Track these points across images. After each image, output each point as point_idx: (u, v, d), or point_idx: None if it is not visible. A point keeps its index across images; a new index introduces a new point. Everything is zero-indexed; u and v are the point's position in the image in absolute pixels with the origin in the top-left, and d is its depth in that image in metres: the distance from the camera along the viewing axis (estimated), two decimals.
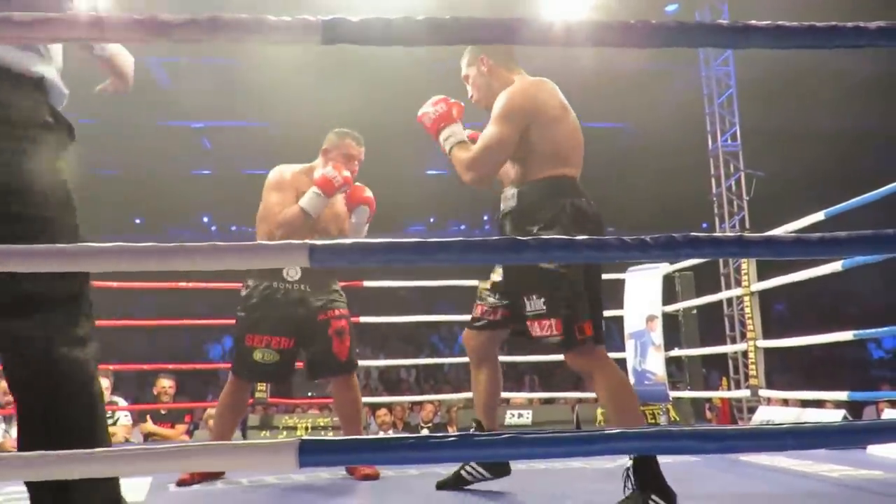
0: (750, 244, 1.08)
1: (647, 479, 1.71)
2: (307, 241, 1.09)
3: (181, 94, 9.32)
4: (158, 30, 1.15)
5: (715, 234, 1.08)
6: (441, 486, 2.27)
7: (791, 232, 3.53)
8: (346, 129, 2.80)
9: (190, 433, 4.75)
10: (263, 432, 4.16)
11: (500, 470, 2.23)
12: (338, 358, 2.67)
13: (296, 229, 2.56)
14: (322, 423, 4.27)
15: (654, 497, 1.70)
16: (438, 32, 1.16)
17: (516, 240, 1.10)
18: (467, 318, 2.76)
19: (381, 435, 5.09)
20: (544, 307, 1.95)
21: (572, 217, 2.01)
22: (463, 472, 2.23)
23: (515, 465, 2.31)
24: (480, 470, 2.22)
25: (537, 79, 2.18)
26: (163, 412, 4.54)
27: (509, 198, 2.12)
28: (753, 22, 1.19)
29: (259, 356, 2.61)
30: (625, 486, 1.76)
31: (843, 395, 3.43)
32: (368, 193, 2.78)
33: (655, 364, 4.30)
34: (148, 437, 4.48)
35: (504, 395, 5.82)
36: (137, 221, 15.00)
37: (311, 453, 1.04)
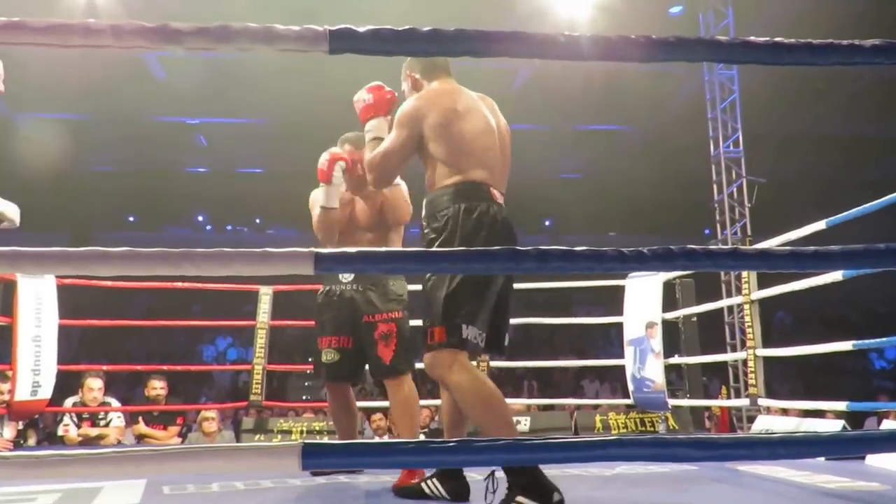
0: (745, 257, 1.11)
1: (518, 480, 1.73)
2: (313, 249, 1.12)
3: (176, 89, 9.22)
4: (170, 37, 1.18)
5: (711, 248, 1.11)
6: (401, 493, 2.27)
7: (792, 241, 3.54)
8: (346, 135, 2.82)
9: (183, 436, 4.73)
10: (258, 436, 4.15)
11: (460, 494, 2.14)
12: (382, 361, 2.65)
13: (327, 228, 2.66)
14: (318, 427, 4.24)
15: (519, 499, 1.71)
16: (443, 43, 1.18)
17: (516, 250, 1.12)
18: None
19: (377, 440, 5.10)
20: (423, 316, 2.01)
21: (465, 221, 1.95)
22: (424, 487, 2.19)
23: None
24: (442, 491, 2.16)
25: (447, 86, 2.15)
26: (155, 414, 4.55)
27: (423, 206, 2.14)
28: (752, 38, 1.21)
29: (325, 357, 2.73)
30: (486, 489, 1.81)
31: (841, 406, 3.44)
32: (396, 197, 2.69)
33: (654, 371, 4.31)
34: (140, 438, 4.48)
35: None
36: (131, 219, 14.93)
37: (313, 457, 1.06)
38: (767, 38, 1.22)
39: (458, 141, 2.02)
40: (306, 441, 1.07)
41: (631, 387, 4.53)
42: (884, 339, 3.35)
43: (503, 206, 2.04)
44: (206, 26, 1.16)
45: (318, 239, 2.74)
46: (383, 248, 1.12)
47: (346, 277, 2.71)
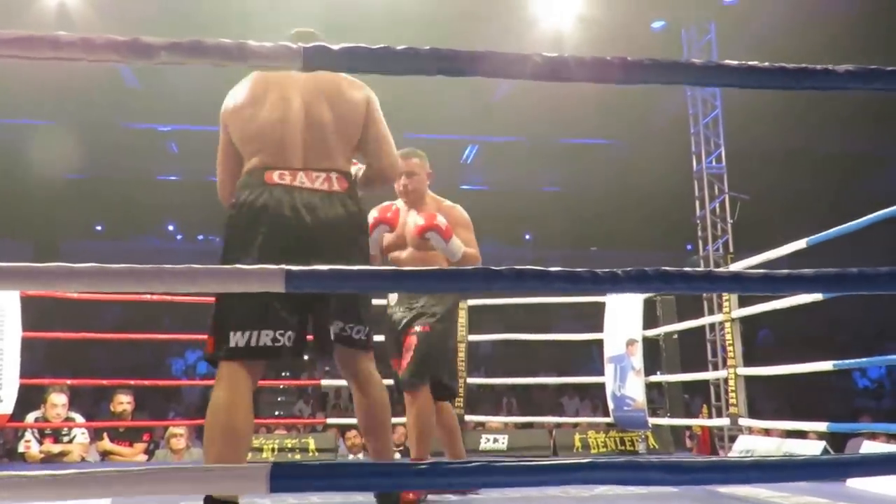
0: (719, 280, 1.11)
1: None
2: (284, 266, 1.10)
3: (148, 96, 9.14)
4: (142, 51, 1.16)
5: (685, 270, 1.10)
6: None
7: (773, 260, 3.56)
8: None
9: (150, 453, 4.61)
10: None
11: None
12: (400, 375, 2.65)
13: None
14: (290, 445, 4.16)
15: None
16: (419, 62, 1.18)
17: (490, 269, 1.11)
18: None
19: (351, 458, 5.03)
20: None
21: (237, 215, 1.83)
22: None
23: (489, 493, 2.28)
24: None
25: (256, 74, 1.97)
26: (121, 430, 4.44)
27: None
28: (727, 62, 1.22)
29: (396, 377, 2.71)
30: None
31: (822, 427, 3.45)
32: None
33: (635, 390, 4.30)
34: (105, 455, 4.37)
35: (480, 418, 5.84)
36: (98, 228, 14.69)
37: (282, 478, 1.04)
38: (742, 62, 1.22)
39: (238, 127, 1.89)
40: (275, 462, 1.04)
41: (611, 405, 4.52)
42: (863, 359, 3.38)
43: (291, 186, 1.80)
44: (178, 41, 1.15)
45: None
46: (356, 267, 1.11)
47: (393, 300, 2.76)
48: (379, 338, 2.64)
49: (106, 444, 4.37)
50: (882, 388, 14.78)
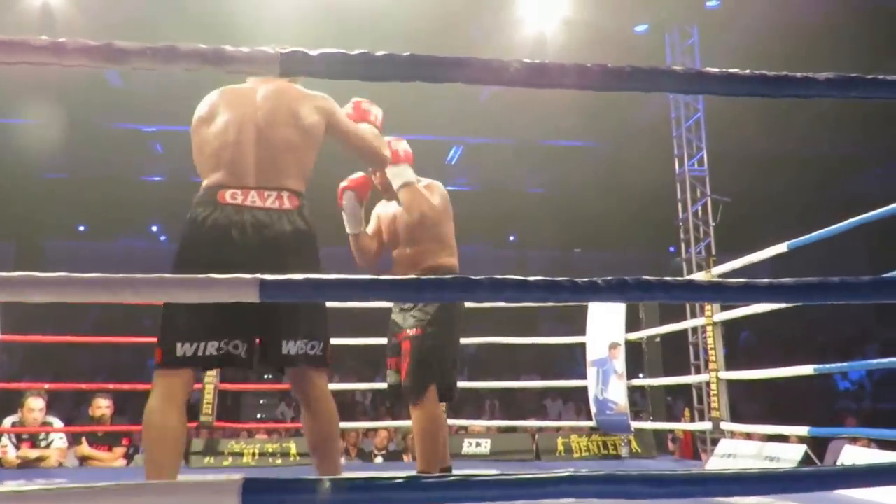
0: (699, 289, 1.10)
1: None
2: (258, 276, 1.08)
3: (133, 96, 9.05)
4: (115, 56, 1.14)
5: (665, 278, 1.09)
6: None
7: (754, 263, 3.58)
8: None
9: (129, 457, 4.55)
10: (207, 458, 4.01)
11: None
12: (402, 382, 2.57)
13: (357, 252, 2.69)
14: (271, 450, 4.12)
15: None
16: (397, 68, 1.16)
17: (469, 279, 1.10)
18: None
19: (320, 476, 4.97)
20: None
21: (189, 232, 1.87)
22: None
23: None
24: None
25: (225, 88, 2.06)
26: (99, 434, 4.38)
27: None
28: (707, 69, 1.22)
29: (388, 378, 2.69)
30: None
31: (803, 431, 3.47)
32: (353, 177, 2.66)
33: (617, 393, 4.31)
34: (84, 460, 4.31)
35: (462, 422, 5.81)
36: (81, 228, 14.53)
37: (254, 493, 1.02)
38: (723, 70, 1.22)
39: (207, 147, 1.94)
40: (247, 477, 1.02)
41: (594, 409, 4.53)
42: (843, 363, 3.41)
43: (242, 206, 1.85)
44: (152, 46, 1.13)
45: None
46: (331, 276, 1.09)
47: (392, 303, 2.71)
48: (382, 340, 2.62)
49: (84, 448, 4.31)
50: (863, 390, 14.94)
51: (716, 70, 1.20)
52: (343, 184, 2.64)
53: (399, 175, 2.57)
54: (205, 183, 1.92)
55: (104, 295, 1.05)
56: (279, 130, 1.93)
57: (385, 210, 2.77)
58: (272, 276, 1.08)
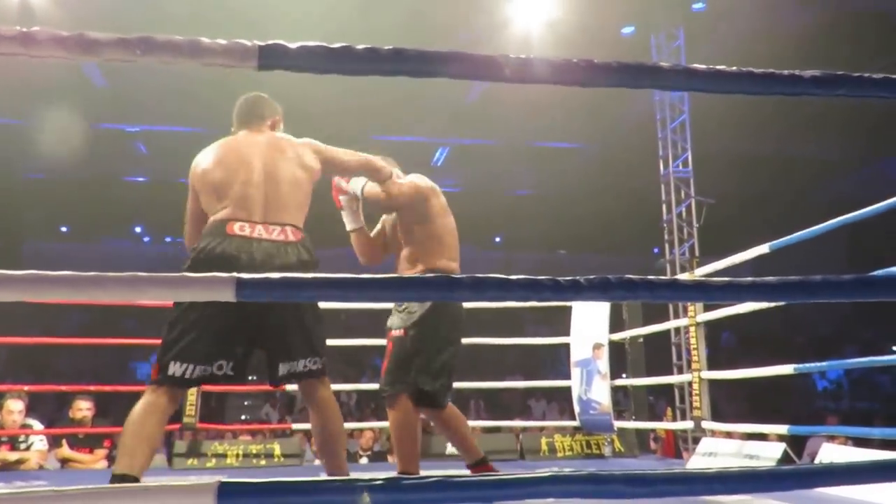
0: (683, 288, 1.09)
1: None
2: (234, 274, 1.05)
3: (117, 96, 8.97)
4: (87, 48, 1.11)
5: (649, 277, 1.08)
6: None
7: (736, 264, 3.60)
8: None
9: (110, 459, 4.50)
10: (190, 460, 3.97)
11: None
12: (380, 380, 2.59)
13: (357, 249, 2.75)
14: (255, 451, 4.08)
15: None
16: (379, 62, 1.14)
17: (451, 278, 1.08)
18: None
19: (317, 463, 4.96)
20: None
21: (197, 259, 1.98)
22: None
23: None
24: None
25: (226, 139, 2.25)
26: (80, 436, 4.32)
27: None
28: (695, 66, 1.21)
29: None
30: None
31: (783, 429, 3.49)
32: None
33: (601, 393, 4.31)
34: (64, 463, 4.25)
35: None
36: (64, 230, 14.37)
37: (230, 496, 0.99)
38: (710, 67, 1.21)
39: (207, 186, 2.10)
40: (222, 480, 0.99)
41: (577, 409, 4.53)
42: (823, 363, 3.44)
43: (250, 237, 1.99)
44: (126, 37, 1.09)
45: None
46: (308, 275, 1.06)
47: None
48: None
49: (65, 451, 4.25)
50: (841, 389, 15.14)
51: (703, 67, 1.19)
52: (338, 181, 2.66)
53: (356, 188, 2.63)
54: (213, 217, 2.05)
55: (73, 294, 1.02)
56: (285, 170, 2.11)
57: (389, 215, 2.81)
58: (251, 275, 1.06)
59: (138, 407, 1.91)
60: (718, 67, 1.23)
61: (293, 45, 1.13)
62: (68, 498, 0.97)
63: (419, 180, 2.66)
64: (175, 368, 1.90)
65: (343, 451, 2.09)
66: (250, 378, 2.18)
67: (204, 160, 2.16)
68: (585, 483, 1.06)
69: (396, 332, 2.53)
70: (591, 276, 1.06)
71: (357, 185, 2.63)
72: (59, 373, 10.65)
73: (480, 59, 1.19)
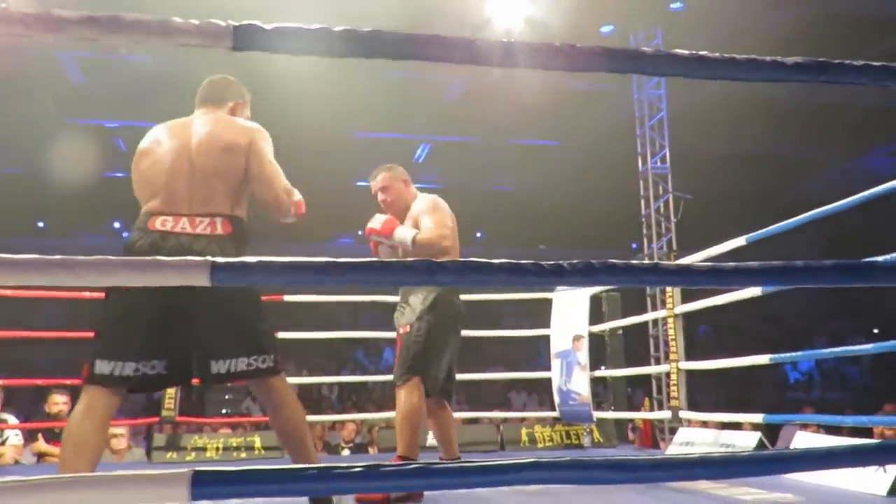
0: (665, 272, 1.08)
1: None
2: (209, 258, 1.02)
3: (95, 92, 8.83)
4: (54, 26, 1.07)
5: (632, 262, 1.07)
6: None
7: (713, 256, 3.63)
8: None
9: None
10: (170, 453, 3.92)
11: None
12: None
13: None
14: (234, 444, 4.04)
15: None
16: (356, 44, 1.12)
17: (433, 262, 1.06)
18: (393, 334, 2.76)
19: (276, 466, 4.92)
20: None
21: (123, 255, 1.90)
22: None
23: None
24: None
25: (171, 122, 2.15)
26: (57, 430, 4.26)
27: None
28: (678, 51, 1.20)
29: None
30: None
31: (758, 418, 3.53)
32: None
33: (580, 384, 4.33)
34: (41, 457, 4.18)
35: None
36: (40, 225, 14.13)
37: (204, 485, 0.97)
38: (693, 52, 1.20)
39: (142, 175, 2.01)
40: (196, 469, 0.97)
41: (557, 399, 4.54)
42: (798, 353, 3.49)
43: (170, 232, 1.89)
44: (95, 16, 1.06)
45: None
46: (287, 259, 1.04)
47: (397, 299, 2.78)
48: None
49: (41, 445, 4.18)
50: (811, 380, 15.46)
51: (687, 52, 1.18)
52: (372, 228, 2.67)
53: (402, 240, 2.62)
54: (142, 210, 1.97)
55: (40, 278, 0.98)
56: (210, 158, 1.97)
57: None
58: (227, 259, 1.04)
59: (75, 412, 1.80)
60: (702, 53, 1.22)
61: (268, 26, 1.11)
62: (45, 487, 0.94)
63: (449, 215, 2.73)
64: (103, 367, 1.80)
65: (308, 441, 1.99)
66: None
67: (141, 145, 2.07)
68: (568, 469, 1.05)
69: (403, 329, 2.67)
70: (575, 261, 1.04)
71: (406, 234, 2.60)
72: (38, 367, 10.48)
73: (462, 43, 1.18)
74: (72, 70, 8.63)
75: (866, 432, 4.81)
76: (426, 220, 2.65)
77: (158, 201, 1.93)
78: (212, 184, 1.95)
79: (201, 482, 0.95)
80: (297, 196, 2.11)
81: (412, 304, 2.66)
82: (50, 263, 0.96)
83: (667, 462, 1.08)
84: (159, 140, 2.03)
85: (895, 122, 10.76)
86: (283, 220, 2.07)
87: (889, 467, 2.42)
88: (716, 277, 1.08)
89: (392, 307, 2.81)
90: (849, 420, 3.65)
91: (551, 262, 1.06)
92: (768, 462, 1.13)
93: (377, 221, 2.66)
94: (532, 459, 1.03)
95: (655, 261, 6.94)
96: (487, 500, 2.46)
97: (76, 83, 8.84)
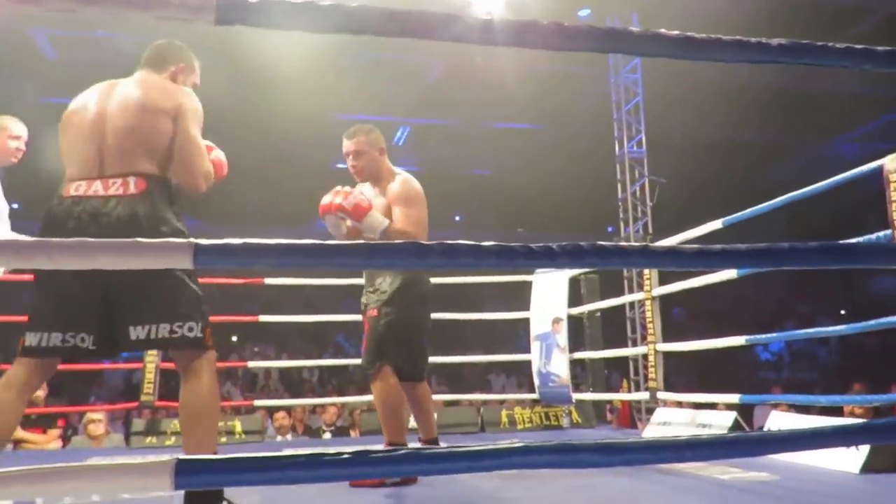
0: (654, 255, 1.07)
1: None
2: (192, 240, 1.00)
3: (69, 70, 8.62)
4: None
5: (621, 244, 1.07)
6: None
7: (690, 239, 3.66)
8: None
9: (66, 439, 4.38)
10: (149, 438, 3.89)
11: None
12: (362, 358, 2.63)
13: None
14: None
15: None
16: (341, 19, 1.09)
17: (421, 245, 1.05)
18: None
19: (279, 439, 4.91)
20: None
21: (42, 226, 1.93)
22: None
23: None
24: None
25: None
26: (33, 417, 4.20)
27: None
28: (662, 31, 1.19)
29: None
30: None
31: (734, 398, 3.59)
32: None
33: (560, 366, 4.36)
34: (18, 444, 4.12)
35: None
36: (15, 206, 13.84)
37: (188, 474, 0.95)
38: (678, 32, 1.19)
39: (62, 143, 1.97)
40: (179, 457, 0.95)
41: (537, 381, 4.57)
42: (770, 334, 3.55)
43: (82, 197, 1.84)
44: None
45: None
46: (274, 241, 1.01)
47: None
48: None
49: (18, 431, 4.11)
50: (781, 361, 15.83)
51: (672, 33, 1.17)
52: (322, 202, 2.60)
53: (371, 228, 2.53)
54: (66, 177, 1.93)
55: (15, 261, 0.95)
56: (124, 117, 1.91)
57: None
58: (210, 241, 1.01)
59: None
60: (688, 34, 1.21)
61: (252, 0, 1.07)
62: (27, 477, 0.92)
63: (423, 208, 2.66)
64: (31, 339, 1.80)
65: (203, 431, 1.85)
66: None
67: (69, 108, 2.02)
68: (556, 453, 1.05)
69: (371, 312, 2.61)
70: (564, 243, 1.03)
71: (378, 224, 2.50)
72: (9, 352, 10.27)
73: (443, 19, 1.15)
74: (44, 46, 8.40)
75: (836, 411, 4.92)
76: (400, 212, 2.58)
77: (74, 168, 1.90)
78: (125, 144, 1.88)
79: (185, 471, 0.93)
80: (218, 154, 2.11)
81: (379, 287, 2.61)
82: (25, 246, 0.93)
83: (655, 445, 1.09)
84: (84, 104, 1.98)
85: (863, 109, 10.99)
86: (191, 192, 1.98)
87: (861, 446, 2.47)
88: (704, 259, 1.08)
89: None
90: (822, 399, 3.73)
91: (540, 245, 1.05)
92: (755, 443, 1.14)
93: (349, 200, 2.50)
94: (522, 444, 1.03)
95: (644, 243, 7.01)
96: (469, 481, 2.47)
97: (49, 60, 8.61)
